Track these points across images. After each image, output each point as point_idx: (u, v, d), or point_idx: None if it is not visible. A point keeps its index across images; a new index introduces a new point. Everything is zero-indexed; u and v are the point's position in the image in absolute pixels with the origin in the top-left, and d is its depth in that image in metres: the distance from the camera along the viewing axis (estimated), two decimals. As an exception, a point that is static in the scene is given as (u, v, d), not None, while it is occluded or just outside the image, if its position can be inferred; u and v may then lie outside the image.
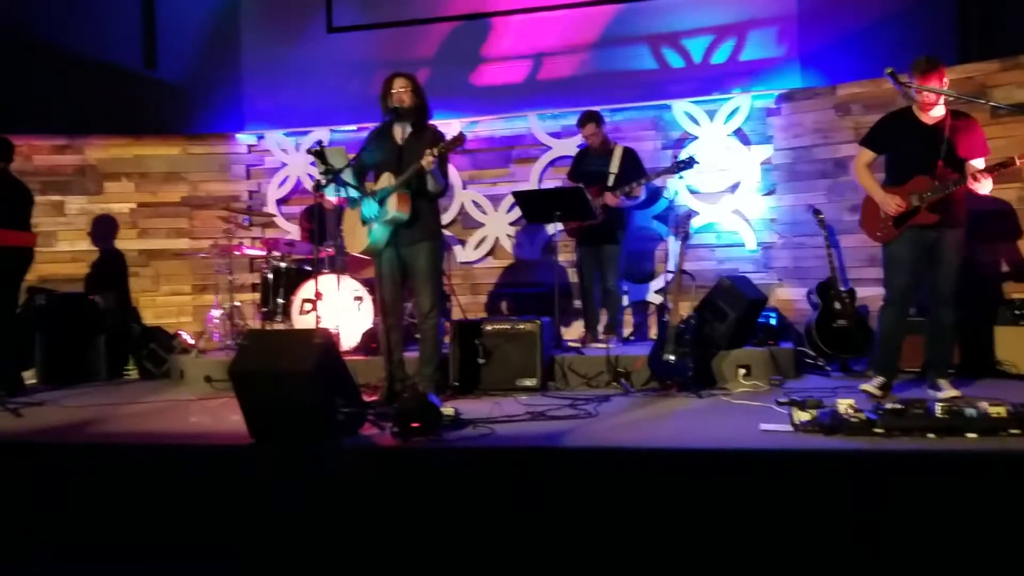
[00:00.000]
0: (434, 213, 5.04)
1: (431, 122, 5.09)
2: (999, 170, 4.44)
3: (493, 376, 5.44)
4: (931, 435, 3.59)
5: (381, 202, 4.83)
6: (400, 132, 4.95)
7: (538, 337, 5.43)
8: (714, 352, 5.49)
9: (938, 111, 4.54)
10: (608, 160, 6.27)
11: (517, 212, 6.90)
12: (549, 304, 6.06)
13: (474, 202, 7.53)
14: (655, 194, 7.00)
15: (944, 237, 4.55)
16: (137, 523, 3.77)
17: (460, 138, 4.72)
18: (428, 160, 4.63)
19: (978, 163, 4.51)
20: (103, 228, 7.67)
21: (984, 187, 4.44)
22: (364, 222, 4.91)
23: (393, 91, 4.87)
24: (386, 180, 4.85)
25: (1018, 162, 4.42)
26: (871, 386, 4.72)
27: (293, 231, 7.64)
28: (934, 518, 3.19)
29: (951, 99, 4.57)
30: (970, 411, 3.63)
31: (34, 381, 6.45)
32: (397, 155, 4.88)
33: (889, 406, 3.73)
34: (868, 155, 4.79)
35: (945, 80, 4.50)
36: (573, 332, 6.78)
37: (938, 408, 3.68)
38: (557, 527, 3.44)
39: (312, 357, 3.86)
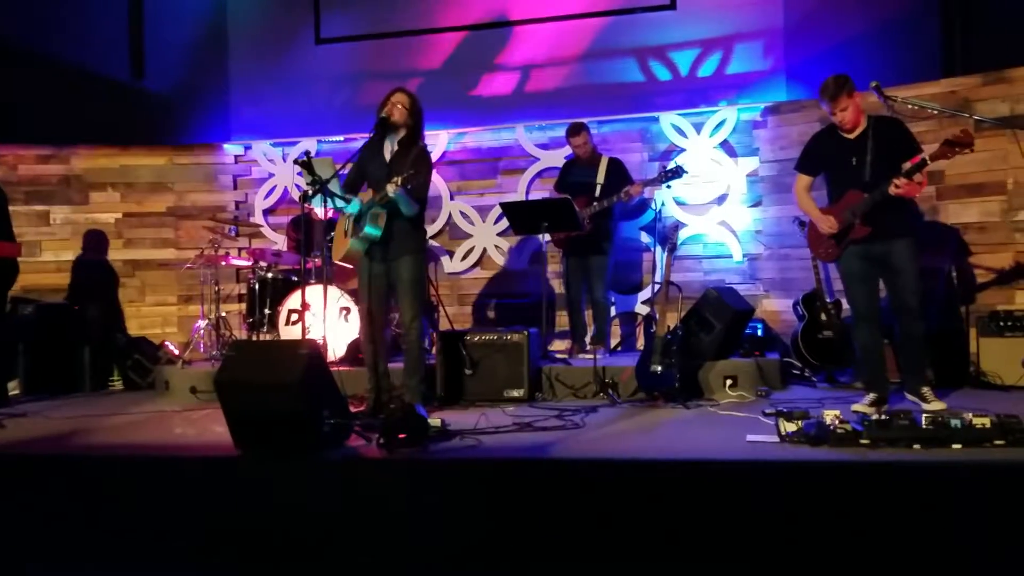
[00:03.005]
0: (414, 228, 4.98)
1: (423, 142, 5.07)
2: (916, 173, 4.35)
3: (480, 387, 5.44)
4: (916, 446, 3.60)
5: (360, 216, 4.83)
6: (388, 148, 4.95)
7: (525, 348, 5.43)
8: (701, 363, 5.50)
9: (860, 122, 4.57)
10: (594, 171, 6.29)
11: (504, 223, 6.91)
12: (536, 315, 6.06)
13: (461, 213, 7.53)
14: (642, 205, 7.03)
15: (893, 248, 4.53)
16: (121, 536, 3.74)
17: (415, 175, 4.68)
18: (391, 188, 4.62)
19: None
20: (91, 239, 7.63)
21: (911, 190, 4.39)
22: (347, 233, 4.93)
23: (388, 103, 4.88)
24: (369, 195, 4.86)
25: (929, 161, 4.33)
26: (863, 404, 4.62)
27: (280, 241, 7.62)
28: (920, 528, 3.19)
29: (935, 112, 4.60)
30: (955, 422, 3.64)
31: (17, 392, 6.39)
32: (385, 170, 4.88)
33: (875, 417, 3.75)
34: (804, 179, 4.84)
35: (855, 98, 4.46)
36: (560, 343, 6.78)
37: (923, 419, 3.69)
38: (544, 538, 3.43)
39: (298, 368, 3.84)
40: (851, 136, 4.58)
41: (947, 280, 5.83)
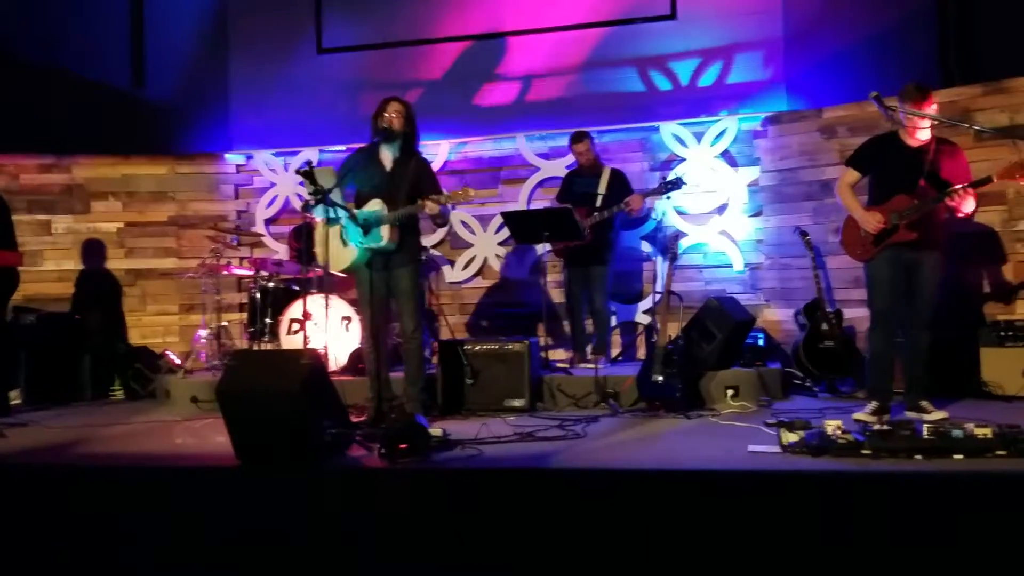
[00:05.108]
0: (414, 239, 5.07)
1: (419, 150, 5.14)
2: (977, 188, 4.47)
3: (481, 397, 5.44)
4: (918, 456, 3.60)
5: (367, 226, 4.84)
6: (388, 157, 4.97)
7: (526, 357, 5.43)
8: (702, 373, 5.50)
9: (924, 135, 4.61)
10: (596, 181, 6.30)
11: (506, 232, 6.91)
12: (537, 324, 6.06)
13: (463, 222, 7.53)
14: (643, 215, 7.03)
15: (923, 258, 4.60)
16: (121, 546, 3.73)
17: (468, 193, 4.88)
18: (431, 207, 4.77)
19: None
20: (91, 248, 7.63)
21: (966, 206, 4.49)
22: (346, 243, 4.93)
23: (385, 113, 4.91)
24: (377, 205, 4.86)
25: (995, 180, 4.46)
26: (865, 413, 4.64)
27: (281, 251, 7.63)
28: (922, 539, 3.19)
29: (936, 123, 4.63)
30: (957, 432, 3.64)
31: (18, 401, 6.38)
32: (386, 181, 4.90)
33: (876, 427, 3.75)
34: (853, 175, 4.85)
35: (934, 105, 4.57)
36: (561, 353, 6.78)
37: (925, 429, 3.69)
38: (545, 549, 3.43)
39: (299, 377, 3.85)
40: (914, 146, 4.62)
41: (955, 287, 5.80)
